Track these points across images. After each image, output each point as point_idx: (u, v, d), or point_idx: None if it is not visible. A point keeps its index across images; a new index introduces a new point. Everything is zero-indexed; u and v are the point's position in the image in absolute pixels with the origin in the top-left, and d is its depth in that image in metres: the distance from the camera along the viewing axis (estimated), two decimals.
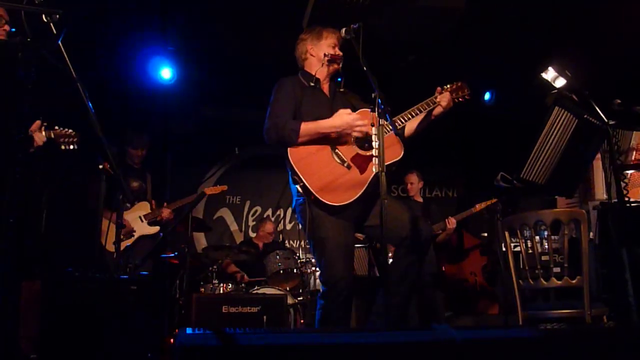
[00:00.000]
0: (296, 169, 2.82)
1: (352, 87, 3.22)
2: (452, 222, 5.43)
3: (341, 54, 3.06)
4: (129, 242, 4.68)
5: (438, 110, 3.06)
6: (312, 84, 3.05)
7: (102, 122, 2.67)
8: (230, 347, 1.55)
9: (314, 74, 3.07)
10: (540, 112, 2.82)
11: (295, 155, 2.86)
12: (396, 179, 6.80)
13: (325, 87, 3.14)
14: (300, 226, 6.48)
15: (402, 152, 2.94)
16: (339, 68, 3.09)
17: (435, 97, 3.06)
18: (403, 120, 2.97)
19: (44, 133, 2.95)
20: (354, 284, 2.88)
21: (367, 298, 5.75)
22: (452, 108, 3.09)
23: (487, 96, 6.40)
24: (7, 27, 2.82)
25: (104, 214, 3.72)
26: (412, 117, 3.00)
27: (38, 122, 2.94)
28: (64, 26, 2.09)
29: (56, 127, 2.99)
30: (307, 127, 2.84)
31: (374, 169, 2.71)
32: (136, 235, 4.74)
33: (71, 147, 2.97)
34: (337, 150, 2.90)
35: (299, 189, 2.82)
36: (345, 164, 2.87)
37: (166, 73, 5.76)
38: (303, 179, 2.79)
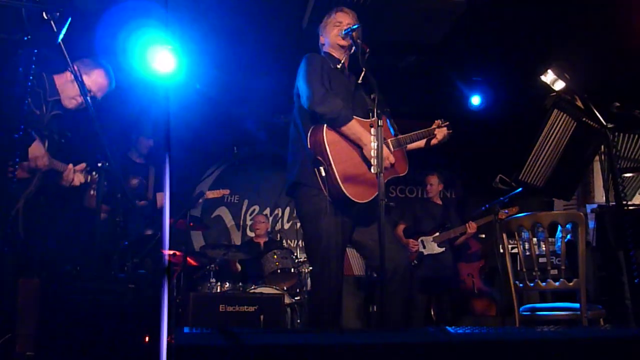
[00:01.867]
0: (328, 151, 2.73)
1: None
2: (472, 227, 5.42)
3: (345, 42, 2.99)
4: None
5: (434, 141, 3.24)
6: (337, 67, 3.01)
7: (102, 120, 2.69)
8: (227, 347, 1.55)
9: (341, 59, 3.03)
10: (539, 114, 2.83)
11: (331, 136, 2.77)
12: (395, 180, 6.81)
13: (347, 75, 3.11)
14: (298, 225, 6.54)
15: (407, 170, 3.04)
16: (356, 48, 2.90)
17: (433, 129, 3.23)
18: (411, 140, 3.11)
19: (82, 176, 3.11)
20: (345, 283, 2.89)
21: (364, 297, 5.78)
22: (447, 141, 3.27)
23: (476, 100, 6.36)
24: (79, 99, 2.99)
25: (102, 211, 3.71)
26: (418, 139, 3.17)
27: (83, 165, 3.09)
28: (65, 24, 2.09)
29: (94, 173, 3.14)
30: (354, 126, 2.80)
31: (372, 170, 2.71)
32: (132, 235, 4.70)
33: (92, 192, 3.19)
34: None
35: (322, 171, 2.74)
36: (367, 162, 2.83)
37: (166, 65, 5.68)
38: (332, 163, 2.72)
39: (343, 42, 3.00)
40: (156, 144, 5.04)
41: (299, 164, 2.89)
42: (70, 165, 3.01)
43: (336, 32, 3.01)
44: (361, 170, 2.82)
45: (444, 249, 5.46)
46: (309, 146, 2.82)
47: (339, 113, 2.77)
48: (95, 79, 3.11)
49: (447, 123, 3.31)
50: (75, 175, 3.04)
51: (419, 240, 5.47)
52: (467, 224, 5.43)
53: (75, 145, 3.14)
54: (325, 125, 2.79)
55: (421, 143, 3.25)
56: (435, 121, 3.29)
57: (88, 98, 2.67)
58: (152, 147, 5.02)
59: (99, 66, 3.16)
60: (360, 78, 3.06)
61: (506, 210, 5.17)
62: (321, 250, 2.81)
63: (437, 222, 5.60)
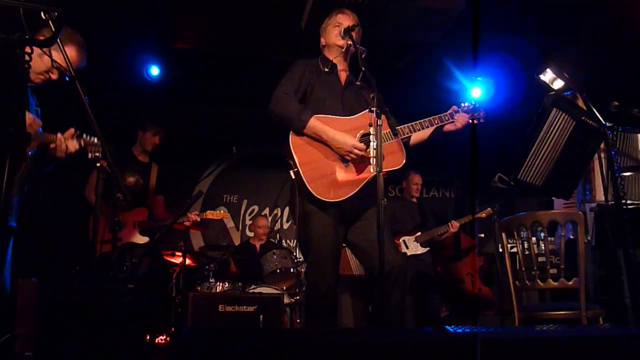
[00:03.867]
0: (294, 154, 2.79)
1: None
2: (454, 226, 5.44)
3: (344, 42, 2.99)
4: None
5: (450, 127, 3.04)
6: (327, 70, 3.02)
7: (100, 119, 2.68)
8: (227, 347, 1.55)
9: (332, 59, 3.05)
10: (538, 113, 2.82)
11: (296, 139, 2.83)
12: (394, 179, 6.81)
13: (343, 76, 3.09)
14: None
15: (403, 161, 2.92)
16: (358, 54, 2.88)
17: (447, 114, 3.04)
18: (411, 130, 2.95)
19: (75, 142, 2.95)
20: (345, 283, 2.88)
21: (363, 297, 5.77)
22: (466, 128, 3.07)
23: (476, 92, 6.29)
24: (47, 75, 2.82)
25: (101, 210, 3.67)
26: (422, 128, 2.98)
27: (72, 130, 2.95)
28: (63, 24, 2.09)
29: (85, 135, 2.98)
30: (314, 126, 2.81)
31: (371, 169, 2.72)
32: (123, 240, 4.52)
33: (97, 154, 3.00)
34: None
35: (292, 174, 2.79)
36: (344, 161, 2.84)
37: (154, 70, 5.73)
38: (298, 166, 2.76)
39: (341, 42, 3.00)
40: (161, 143, 4.98)
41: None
42: (59, 134, 2.88)
43: (336, 33, 3.01)
44: (332, 169, 2.81)
45: (427, 249, 5.46)
46: (285, 151, 2.87)
47: (291, 117, 2.81)
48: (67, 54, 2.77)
49: (470, 106, 3.08)
50: (68, 142, 2.89)
51: (401, 240, 5.47)
52: (449, 223, 5.45)
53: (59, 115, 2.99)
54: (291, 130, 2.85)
55: (426, 133, 3.07)
56: (453, 106, 3.09)
57: (72, 71, 2.51)
58: (157, 145, 4.94)
59: (71, 41, 2.86)
60: (359, 78, 3.06)
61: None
62: (314, 251, 2.82)
63: (415, 222, 5.59)
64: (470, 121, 3.09)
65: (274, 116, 2.86)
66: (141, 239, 4.68)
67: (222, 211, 5.21)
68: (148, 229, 4.70)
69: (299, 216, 2.82)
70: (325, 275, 2.79)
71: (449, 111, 3.06)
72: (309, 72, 2.99)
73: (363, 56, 2.81)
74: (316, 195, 2.74)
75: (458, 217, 5.69)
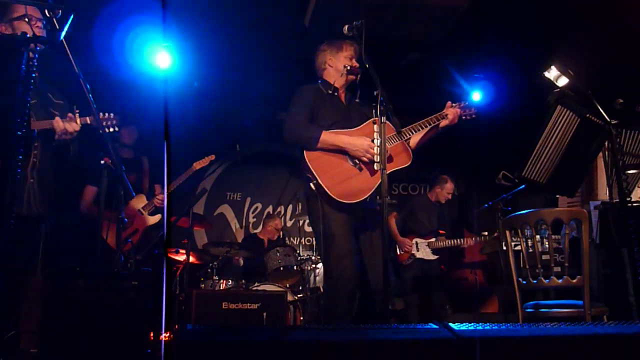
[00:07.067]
0: (311, 167, 3.01)
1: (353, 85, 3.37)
2: (468, 243, 5.42)
3: (358, 65, 3.23)
4: (135, 237, 4.65)
5: (444, 123, 3.26)
6: (330, 92, 3.25)
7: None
8: (229, 344, 1.55)
9: (332, 83, 3.27)
10: (542, 110, 2.82)
11: (310, 154, 3.06)
12: (398, 178, 6.79)
13: (342, 96, 3.33)
14: (300, 223, 6.55)
15: (410, 161, 3.16)
16: (356, 79, 3.28)
17: (444, 112, 3.28)
18: (411, 133, 3.18)
19: (78, 121, 2.94)
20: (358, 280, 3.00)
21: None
22: (456, 123, 3.30)
23: (477, 96, 6.25)
24: (39, 24, 2.82)
25: (104, 210, 3.70)
26: (422, 129, 3.23)
27: (69, 115, 2.96)
28: (67, 21, 2.09)
29: (88, 118, 2.99)
30: (327, 138, 3.05)
31: (375, 167, 2.88)
32: (140, 229, 4.72)
33: (112, 129, 3.05)
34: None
35: (312, 186, 3.02)
36: (357, 166, 3.06)
37: (164, 62, 5.67)
38: (317, 176, 2.99)
39: (350, 63, 3.23)
40: (153, 138, 5.00)
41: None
42: (57, 118, 2.87)
43: (347, 54, 3.25)
44: (347, 175, 3.06)
45: (438, 256, 5.45)
46: (302, 168, 3.11)
47: (304, 139, 3.07)
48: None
49: (462, 104, 3.35)
50: (66, 123, 2.87)
51: (414, 241, 5.46)
52: (464, 239, 5.42)
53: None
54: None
55: (423, 133, 3.30)
56: (448, 102, 3.33)
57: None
58: (138, 136, 5.00)
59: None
60: (357, 96, 3.34)
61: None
62: (336, 248, 3.00)
63: (432, 224, 5.58)
64: (464, 117, 3.35)
65: (290, 143, 3.14)
66: (154, 219, 4.84)
67: (206, 157, 5.21)
68: (155, 208, 4.85)
69: (321, 217, 3.02)
70: (347, 269, 2.97)
71: (444, 110, 3.30)
72: (314, 95, 3.22)
73: (358, 76, 3.14)
74: (338, 199, 2.97)
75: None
